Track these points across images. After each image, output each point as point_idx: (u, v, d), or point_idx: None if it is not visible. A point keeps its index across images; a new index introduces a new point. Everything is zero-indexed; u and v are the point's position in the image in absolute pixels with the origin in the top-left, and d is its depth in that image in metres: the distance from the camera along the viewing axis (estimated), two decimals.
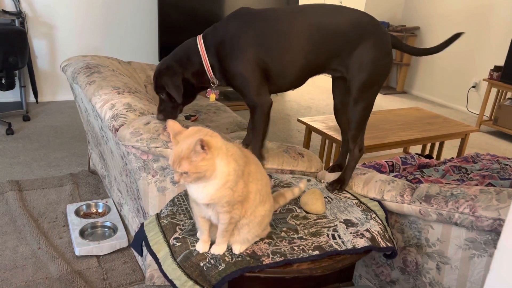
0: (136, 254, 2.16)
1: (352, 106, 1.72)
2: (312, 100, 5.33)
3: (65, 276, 1.97)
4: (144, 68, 3.03)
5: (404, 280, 1.69)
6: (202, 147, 1.06)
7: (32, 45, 4.21)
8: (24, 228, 2.31)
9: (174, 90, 1.70)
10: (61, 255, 2.12)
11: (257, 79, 1.68)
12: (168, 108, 1.78)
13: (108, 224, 2.30)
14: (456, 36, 1.79)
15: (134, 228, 2.17)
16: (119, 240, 2.18)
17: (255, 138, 1.78)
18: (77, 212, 2.38)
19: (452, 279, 1.53)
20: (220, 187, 1.11)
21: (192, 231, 1.36)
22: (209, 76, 1.74)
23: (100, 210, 2.46)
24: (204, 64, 1.72)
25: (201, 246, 1.28)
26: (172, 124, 1.14)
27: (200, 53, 1.71)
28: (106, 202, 2.49)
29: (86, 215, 2.41)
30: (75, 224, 2.27)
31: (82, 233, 2.22)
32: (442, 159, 3.45)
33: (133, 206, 2.10)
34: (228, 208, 1.15)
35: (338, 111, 1.91)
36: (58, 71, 4.42)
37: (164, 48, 4.35)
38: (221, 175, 1.10)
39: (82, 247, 2.11)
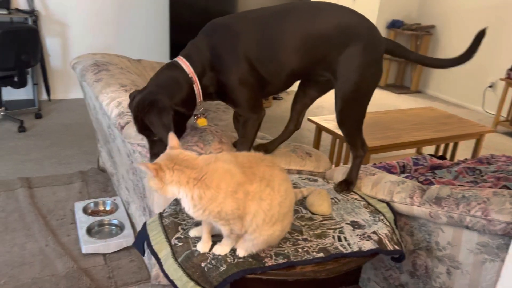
0: None
1: (339, 120, 1.64)
2: (324, 98, 5.26)
3: (72, 273, 1.97)
4: (154, 67, 3.02)
5: (413, 284, 1.64)
6: (151, 169, 1.12)
7: (45, 43, 4.24)
8: (32, 225, 2.32)
9: (162, 130, 1.45)
10: (68, 253, 2.12)
11: (255, 90, 1.61)
12: (163, 148, 1.47)
13: (115, 222, 2.29)
14: (481, 35, 1.65)
15: (141, 227, 2.16)
16: (126, 239, 2.17)
17: (243, 146, 1.69)
18: (85, 210, 2.38)
19: (463, 284, 1.48)
20: (192, 208, 1.14)
21: None
22: (197, 101, 1.59)
23: (107, 208, 2.45)
24: (195, 88, 1.56)
25: (201, 246, 1.25)
26: (172, 137, 1.22)
27: (190, 75, 1.54)
28: (114, 200, 2.48)
29: (94, 213, 2.41)
30: (83, 221, 2.27)
31: (89, 231, 2.22)
32: (456, 160, 3.37)
33: (140, 204, 2.09)
34: (222, 221, 1.14)
35: (297, 98, 1.88)
36: (70, 69, 4.43)
37: (175, 47, 4.34)
38: (184, 199, 1.14)
39: (88, 245, 2.11)
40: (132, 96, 1.57)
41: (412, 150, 3.63)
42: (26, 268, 2.02)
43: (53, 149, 3.31)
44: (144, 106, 1.48)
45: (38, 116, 3.91)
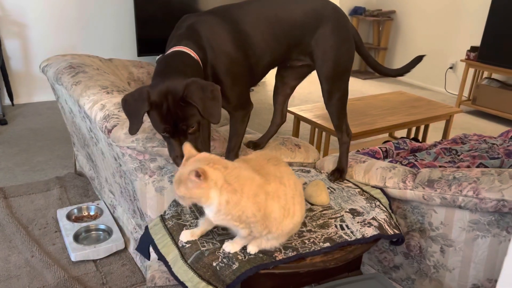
0: (133, 255, 2.12)
1: (327, 99, 1.72)
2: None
3: (63, 283, 1.92)
4: (126, 65, 2.95)
5: (408, 265, 1.71)
6: (198, 176, 1.08)
7: (4, 46, 4.05)
8: (14, 237, 2.23)
9: (213, 104, 1.31)
10: (56, 262, 2.07)
11: (247, 82, 1.62)
12: (193, 141, 1.35)
13: (102, 227, 2.25)
14: (419, 59, 1.83)
15: (130, 230, 2.13)
16: (116, 243, 2.13)
17: (235, 143, 1.67)
18: (68, 217, 2.31)
19: (456, 260, 1.55)
20: (215, 214, 1.15)
21: None
22: None
23: (92, 213, 2.40)
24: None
25: (184, 236, 1.29)
26: (189, 148, 1.17)
27: (200, 64, 1.46)
28: (98, 204, 2.43)
29: (78, 219, 2.34)
30: (68, 229, 2.21)
31: (76, 237, 2.16)
32: (427, 141, 3.50)
33: (129, 207, 2.06)
34: (242, 225, 1.16)
35: (277, 90, 1.92)
36: (33, 71, 4.27)
37: (143, 43, 4.25)
38: (213, 204, 1.13)
39: (78, 252, 2.06)
40: (144, 92, 1.32)
41: (385, 135, 3.73)
42: (13, 281, 1.95)
43: (24, 156, 3.18)
44: (178, 91, 1.29)
45: (3, 122, 3.74)
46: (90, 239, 2.21)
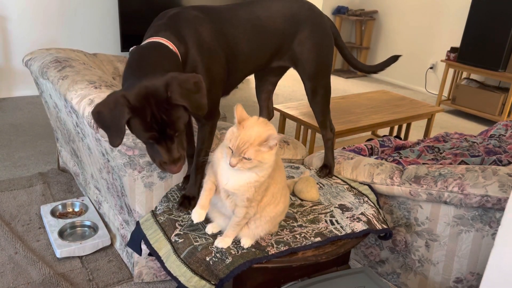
0: (120, 252, 2.11)
1: (311, 97, 1.73)
2: (278, 86, 5.34)
3: (48, 279, 1.90)
4: (111, 60, 2.92)
5: (393, 259, 1.75)
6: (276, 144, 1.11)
7: None
8: None
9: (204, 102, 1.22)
10: (41, 259, 2.04)
11: (220, 91, 1.53)
12: (181, 148, 1.25)
13: (87, 223, 2.22)
14: (394, 58, 1.87)
15: (116, 226, 2.11)
16: (102, 239, 2.12)
17: (203, 153, 1.53)
18: (53, 213, 2.28)
19: (441, 255, 1.60)
20: (250, 182, 1.15)
21: (193, 226, 1.34)
22: None
23: (76, 209, 2.37)
24: None
25: (196, 215, 1.20)
26: (240, 110, 1.16)
27: (179, 58, 1.32)
28: (82, 200, 2.40)
29: (63, 215, 2.31)
30: (53, 225, 2.18)
31: (61, 234, 2.13)
32: (409, 139, 3.57)
33: (115, 203, 2.04)
34: (247, 203, 1.17)
35: (259, 87, 1.94)
36: (12, 65, 4.18)
37: (126, 38, 4.21)
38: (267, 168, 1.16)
39: (63, 249, 2.03)
40: (120, 98, 1.15)
41: (368, 132, 3.79)
42: None
43: (5, 152, 3.12)
44: (160, 92, 1.14)
45: None
46: (75, 236, 2.19)
